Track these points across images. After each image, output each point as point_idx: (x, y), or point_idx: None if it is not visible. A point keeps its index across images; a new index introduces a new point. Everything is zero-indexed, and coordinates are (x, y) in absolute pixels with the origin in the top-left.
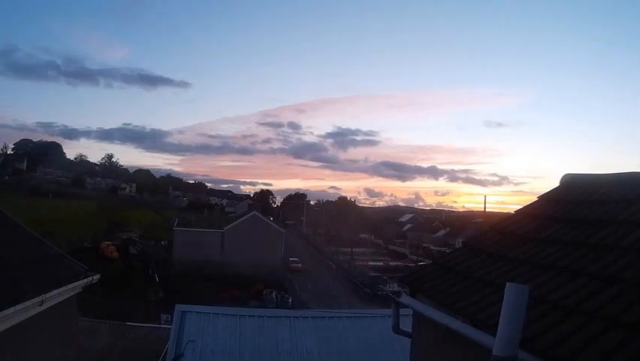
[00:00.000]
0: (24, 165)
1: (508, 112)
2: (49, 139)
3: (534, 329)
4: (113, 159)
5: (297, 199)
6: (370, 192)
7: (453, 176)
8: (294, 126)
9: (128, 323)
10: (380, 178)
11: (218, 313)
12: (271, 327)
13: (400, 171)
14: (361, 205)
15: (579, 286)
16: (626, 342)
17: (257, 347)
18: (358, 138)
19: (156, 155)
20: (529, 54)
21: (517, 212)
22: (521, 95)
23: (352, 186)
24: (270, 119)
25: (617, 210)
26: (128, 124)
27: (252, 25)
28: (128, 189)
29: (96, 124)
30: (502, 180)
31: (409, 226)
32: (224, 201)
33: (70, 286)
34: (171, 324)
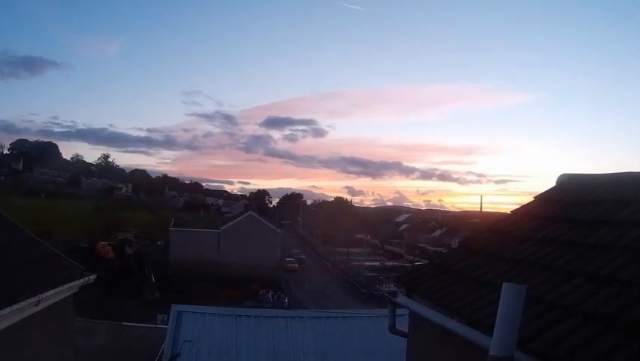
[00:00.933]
0: (20, 165)
1: (484, 111)
2: None
3: (531, 329)
4: (109, 159)
5: (293, 199)
6: (352, 191)
7: (426, 174)
8: (228, 117)
9: (124, 323)
10: (350, 175)
11: (214, 314)
12: (267, 327)
13: (366, 167)
14: (356, 205)
15: (576, 286)
16: (624, 342)
17: (253, 347)
18: (309, 130)
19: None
20: (517, 50)
21: (514, 212)
22: (500, 93)
23: (331, 186)
24: (196, 109)
25: (614, 210)
26: (56, 117)
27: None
28: (124, 190)
29: (21, 116)
30: (481, 178)
31: (405, 226)
32: (221, 202)
33: (67, 286)
34: (167, 324)
